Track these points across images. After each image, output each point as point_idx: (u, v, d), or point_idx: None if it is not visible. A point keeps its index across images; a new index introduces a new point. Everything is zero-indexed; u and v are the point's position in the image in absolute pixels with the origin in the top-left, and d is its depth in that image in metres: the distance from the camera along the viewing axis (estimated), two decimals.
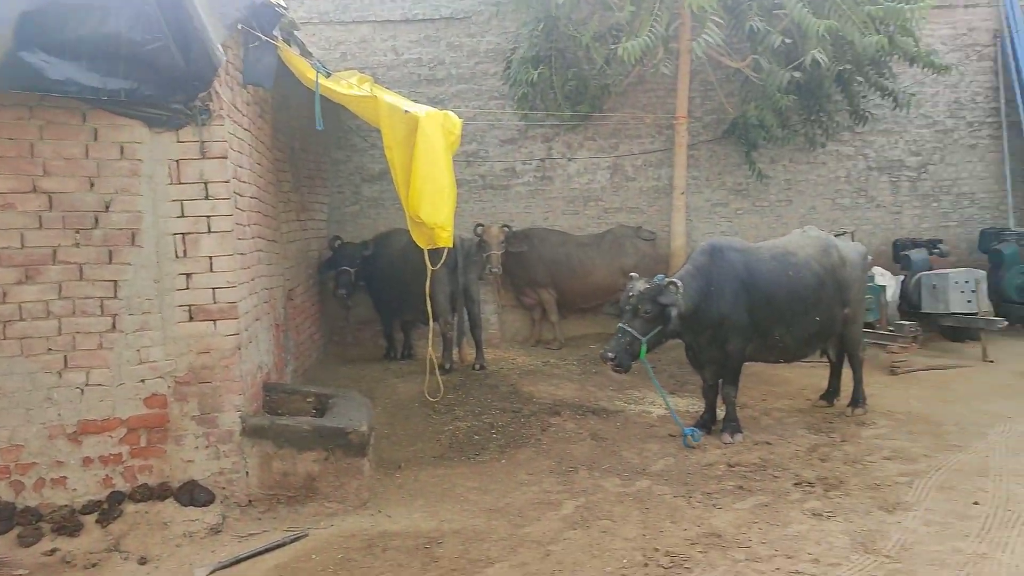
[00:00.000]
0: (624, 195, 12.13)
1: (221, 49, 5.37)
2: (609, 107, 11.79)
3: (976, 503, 5.55)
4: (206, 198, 5.53)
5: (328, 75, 7.49)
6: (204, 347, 5.58)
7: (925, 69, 11.16)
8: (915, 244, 11.91)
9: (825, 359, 8.45)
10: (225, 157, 5.57)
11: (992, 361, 10.17)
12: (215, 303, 5.59)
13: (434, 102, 11.09)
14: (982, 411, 7.95)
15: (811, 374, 9.18)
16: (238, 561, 4.94)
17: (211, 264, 5.57)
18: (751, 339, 7.22)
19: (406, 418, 7.86)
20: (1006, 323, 10.68)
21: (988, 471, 6.18)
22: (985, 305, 10.69)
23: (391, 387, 8.97)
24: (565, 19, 10.70)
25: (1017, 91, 12.44)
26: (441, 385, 8.29)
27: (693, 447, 6.93)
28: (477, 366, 9.64)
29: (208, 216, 5.55)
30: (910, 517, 5.33)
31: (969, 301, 10.63)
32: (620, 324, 6.82)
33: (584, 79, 11.29)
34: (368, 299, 10.76)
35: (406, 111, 6.97)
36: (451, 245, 7.78)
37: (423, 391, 8.26)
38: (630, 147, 12.07)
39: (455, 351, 9.75)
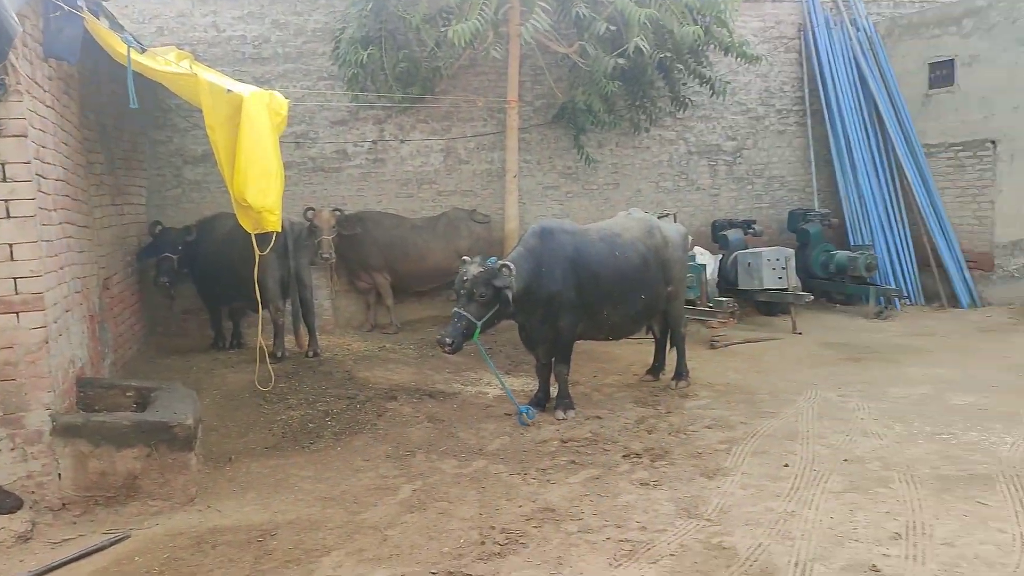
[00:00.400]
0: (458, 178, 12.17)
1: (16, 19, 4.94)
2: (441, 90, 11.76)
3: (786, 465, 5.96)
4: (3, 180, 5.10)
5: (142, 50, 7.06)
6: (6, 342, 5.16)
7: (738, 59, 11.78)
8: (732, 225, 12.62)
9: (651, 335, 8.84)
10: (25, 136, 5.15)
11: (800, 333, 10.95)
12: (17, 294, 5.17)
13: (260, 82, 10.70)
14: (792, 380, 8.54)
15: (638, 350, 9.56)
16: (50, 569, 4.61)
17: (11, 252, 5.15)
18: (581, 318, 7.43)
19: (236, 409, 7.59)
20: (812, 297, 11.55)
21: (797, 435, 6.65)
22: (794, 281, 11.49)
23: (220, 377, 8.63)
24: (395, 0, 10.58)
25: (819, 81, 13.41)
26: (273, 374, 8.06)
27: (528, 425, 7.07)
28: (310, 353, 9.43)
29: (6, 200, 5.11)
30: (729, 482, 5.67)
31: (780, 277, 11.38)
32: (456, 309, 6.84)
33: (415, 61, 11.22)
34: (193, 287, 10.27)
35: (229, 90, 6.68)
36: (280, 229, 7.55)
37: (254, 380, 8.00)
38: (463, 130, 12.11)
39: (287, 338, 9.51)
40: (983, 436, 6.45)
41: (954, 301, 12.60)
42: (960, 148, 12.78)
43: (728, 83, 12.30)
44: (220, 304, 10.18)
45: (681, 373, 8.40)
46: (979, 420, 6.87)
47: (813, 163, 13.62)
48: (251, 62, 11.40)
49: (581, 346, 8.26)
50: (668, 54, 11.21)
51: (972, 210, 12.71)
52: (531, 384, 8.15)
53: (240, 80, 8.40)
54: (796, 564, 4.38)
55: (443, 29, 10.19)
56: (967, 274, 12.65)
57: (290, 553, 4.72)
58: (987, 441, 6.33)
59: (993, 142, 12.27)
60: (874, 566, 4.32)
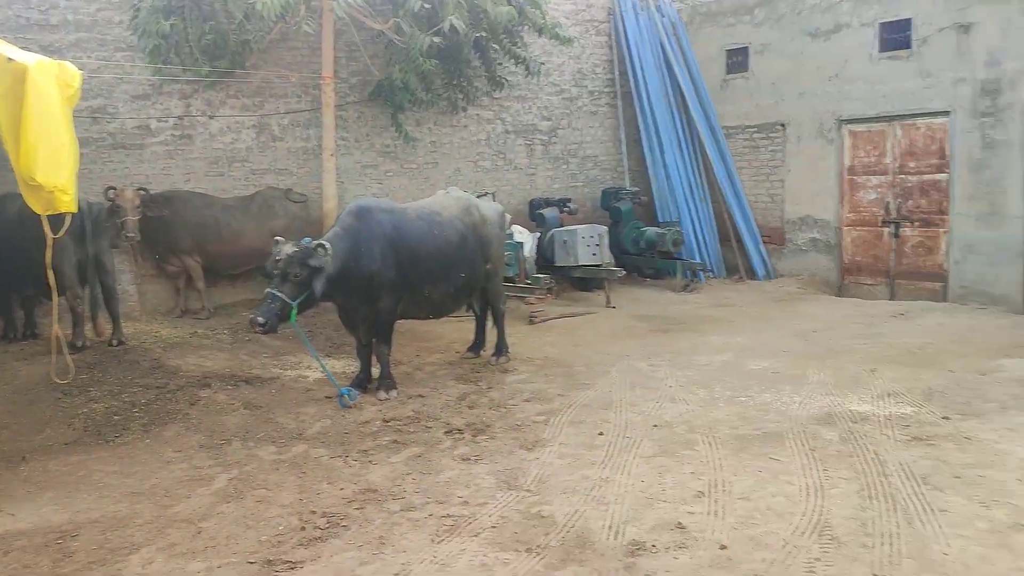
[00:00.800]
0: (272, 156, 11.75)
1: None
2: (252, 64, 11.30)
3: (601, 433, 6.22)
4: None
5: None
6: None
7: (552, 40, 12.06)
8: (548, 203, 12.96)
9: (471, 313, 8.94)
10: None
11: (614, 307, 11.43)
12: None
13: (48, 51, 9.86)
14: (606, 352, 8.91)
15: (460, 328, 9.65)
16: None
17: None
18: (401, 297, 7.41)
19: (31, 404, 7.07)
20: (624, 272, 12.07)
21: (611, 404, 6.95)
22: (608, 257, 11.95)
23: (11, 371, 8.00)
24: None
25: (628, 64, 13.96)
26: (72, 365, 7.50)
27: (350, 407, 7.00)
28: (115, 342, 8.88)
29: None
30: (547, 452, 5.85)
31: (594, 254, 11.82)
32: (269, 289, 6.65)
33: (223, 33, 10.69)
34: None
35: (10, 59, 6.13)
36: (75, 210, 7.01)
37: (50, 373, 7.43)
38: (276, 106, 11.69)
39: (88, 327, 8.90)
40: (775, 397, 7.00)
41: (752, 273, 13.54)
42: (755, 130, 13.69)
43: (543, 64, 12.56)
44: (10, 291, 9.36)
45: (501, 349, 8.57)
46: (772, 383, 7.44)
47: (624, 143, 14.18)
48: (38, 29, 10.47)
49: (403, 325, 8.25)
50: (483, 33, 11.29)
51: (766, 188, 13.68)
52: (353, 366, 8.05)
53: (25, 48, 7.72)
54: (610, 527, 4.59)
55: (251, 1, 9.77)
56: (762, 248, 13.62)
57: (94, 554, 4.45)
58: (779, 401, 6.87)
59: (783, 125, 13.24)
60: (680, 523, 4.60)
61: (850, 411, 6.52)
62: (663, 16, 14.20)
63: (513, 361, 8.49)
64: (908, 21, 11.47)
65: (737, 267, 13.68)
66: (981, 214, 10.86)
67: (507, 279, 10.17)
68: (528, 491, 5.16)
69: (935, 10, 11.13)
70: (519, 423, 6.50)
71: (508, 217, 9.35)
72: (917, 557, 4.14)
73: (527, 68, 12.21)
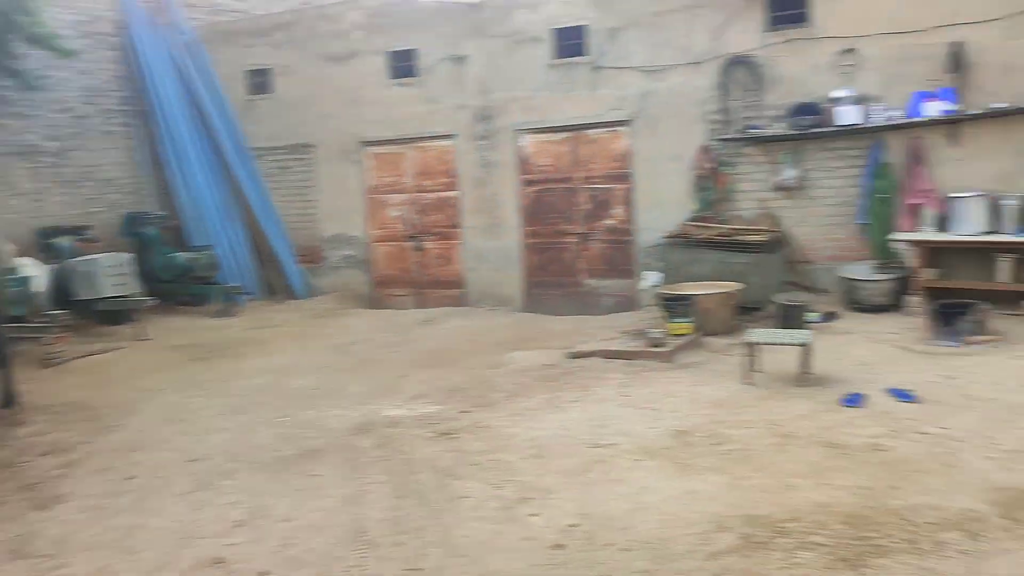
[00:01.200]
0: None
1: None
2: None
3: (132, 477, 5.81)
4: None
5: None
6: None
7: (53, 53, 10.98)
8: (61, 231, 11.79)
9: None
10: None
11: (149, 339, 10.75)
12: None
13: None
14: (139, 388, 8.36)
15: None
16: None
17: None
18: None
19: None
20: (156, 301, 11.44)
21: (143, 445, 6.53)
22: (136, 287, 11.21)
23: None
24: None
25: (145, 82, 13.24)
26: None
27: None
28: None
29: None
30: (67, 508, 5.30)
31: (119, 284, 11.02)
32: None
33: None
34: None
35: None
36: None
37: None
38: None
39: None
40: (316, 413, 7.14)
41: (291, 292, 13.63)
42: (284, 151, 13.81)
43: (45, 78, 11.38)
44: None
45: (9, 400, 7.59)
46: (312, 399, 7.61)
47: (147, 165, 13.43)
48: None
49: None
50: None
51: (300, 208, 13.87)
52: None
53: None
54: None
55: None
56: (300, 267, 13.80)
57: None
58: (319, 417, 7.02)
59: (311, 146, 13.55)
60: (219, 558, 4.48)
61: (384, 417, 6.88)
62: (181, 33, 13.68)
63: (25, 412, 7.55)
64: (414, 51, 12.48)
65: (277, 287, 13.70)
66: (486, 226, 12.28)
67: (14, 319, 9.05)
68: (43, 556, 4.63)
69: (435, 42, 12.28)
70: (32, 481, 5.80)
71: (11, 248, 8.31)
72: (442, 544, 4.51)
73: (25, 82, 10.97)
